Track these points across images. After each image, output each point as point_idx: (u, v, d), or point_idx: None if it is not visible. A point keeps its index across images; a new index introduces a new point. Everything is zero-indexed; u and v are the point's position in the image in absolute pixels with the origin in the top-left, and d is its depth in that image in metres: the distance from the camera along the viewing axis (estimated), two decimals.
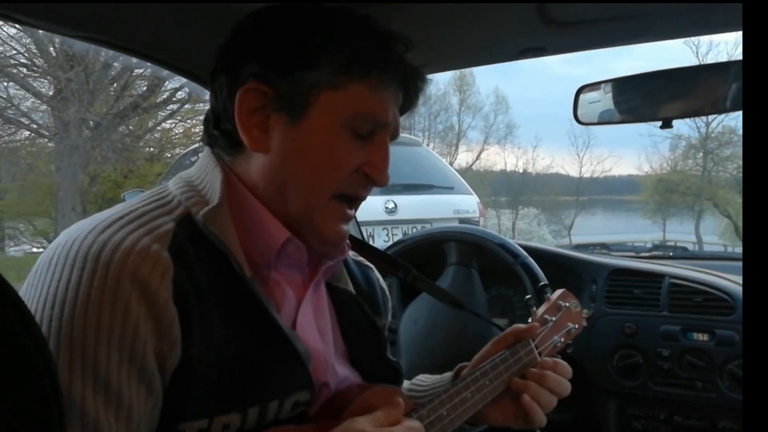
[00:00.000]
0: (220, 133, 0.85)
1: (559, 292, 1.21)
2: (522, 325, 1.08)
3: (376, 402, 0.86)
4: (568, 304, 1.19)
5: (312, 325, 0.88)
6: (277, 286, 0.84)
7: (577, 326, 1.19)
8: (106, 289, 0.67)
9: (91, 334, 0.66)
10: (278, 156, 0.82)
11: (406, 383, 1.13)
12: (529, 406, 0.99)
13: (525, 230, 20.89)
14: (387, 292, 1.10)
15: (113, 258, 0.68)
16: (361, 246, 1.07)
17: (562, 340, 1.15)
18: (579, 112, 1.50)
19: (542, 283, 1.25)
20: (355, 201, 0.88)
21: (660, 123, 1.42)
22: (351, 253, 1.03)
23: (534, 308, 1.16)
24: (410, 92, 0.89)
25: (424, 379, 1.14)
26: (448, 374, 1.10)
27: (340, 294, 0.97)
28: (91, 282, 0.67)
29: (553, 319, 1.14)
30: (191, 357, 0.71)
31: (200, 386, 0.71)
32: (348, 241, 0.93)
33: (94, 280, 0.67)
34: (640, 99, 1.47)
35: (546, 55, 1.33)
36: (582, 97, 1.51)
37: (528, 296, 1.19)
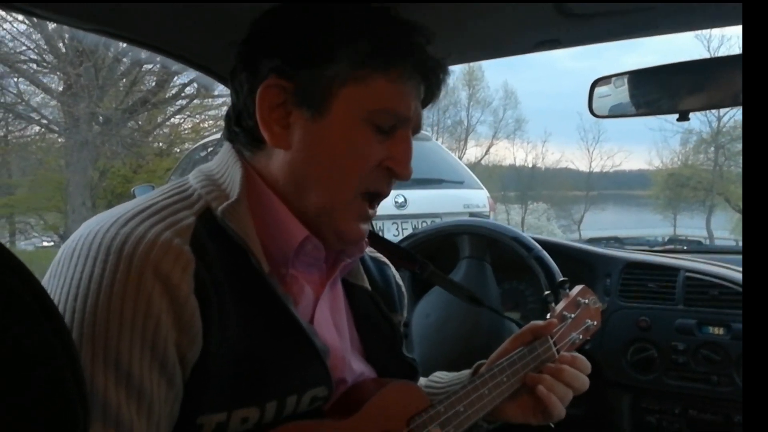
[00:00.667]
0: (241, 129, 0.85)
1: (578, 288, 1.20)
2: (540, 322, 1.08)
3: (394, 399, 0.86)
4: (587, 301, 1.18)
5: (329, 322, 0.88)
6: (295, 283, 0.84)
7: (595, 323, 1.18)
8: (129, 282, 0.67)
9: (114, 326, 0.66)
10: (299, 152, 0.81)
11: (422, 380, 1.13)
12: (545, 397, 0.98)
13: (534, 225, 20.88)
14: (403, 289, 1.09)
15: (136, 251, 0.68)
16: (378, 241, 1.07)
17: (581, 337, 1.15)
18: (594, 105, 1.50)
19: (562, 279, 1.24)
20: (377, 197, 0.87)
21: (675, 116, 1.41)
22: (368, 249, 1.03)
23: (552, 304, 1.15)
24: (432, 84, 0.88)
25: (441, 376, 1.13)
26: (466, 372, 1.09)
27: (356, 291, 0.96)
28: (114, 275, 0.67)
29: (572, 316, 1.14)
30: (211, 351, 0.71)
31: (219, 380, 0.71)
32: (366, 238, 0.92)
33: (117, 272, 0.67)
34: (655, 92, 1.47)
35: (560, 47, 1.32)
36: (597, 90, 1.50)
37: (547, 292, 1.18)
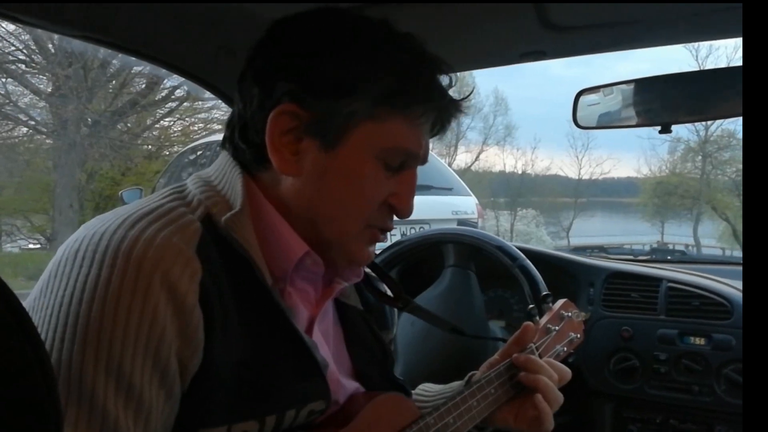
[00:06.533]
0: (247, 146, 0.82)
1: (560, 302, 1.22)
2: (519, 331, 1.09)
3: (384, 411, 0.86)
4: (569, 314, 1.20)
5: (323, 342, 0.88)
6: (290, 299, 0.83)
7: (579, 335, 1.21)
8: (137, 290, 0.65)
9: (119, 335, 0.64)
10: (310, 182, 0.79)
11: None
12: (540, 405, 0.98)
13: (523, 231, 20.93)
14: None
15: (146, 256, 0.66)
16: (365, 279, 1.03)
17: (565, 349, 1.17)
18: (578, 115, 1.51)
19: (545, 293, 1.26)
20: (383, 231, 0.86)
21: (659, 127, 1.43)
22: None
23: (537, 317, 1.16)
24: (444, 121, 0.87)
25: (429, 388, 1.13)
26: (455, 383, 1.09)
27: (347, 310, 0.95)
28: (121, 281, 0.65)
29: (556, 328, 1.16)
30: (212, 362, 0.70)
31: (220, 393, 0.70)
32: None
33: (125, 278, 0.65)
34: (644, 104, 1.48)
35: (546, 59, 1.34)
36: (581, 100, 1.51)
37: (531, 306, 1.20)
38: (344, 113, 0.77)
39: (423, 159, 0.87)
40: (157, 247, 0.67)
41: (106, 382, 0.64)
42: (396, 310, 1.09)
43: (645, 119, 1.54)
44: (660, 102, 1.45)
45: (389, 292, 1.06)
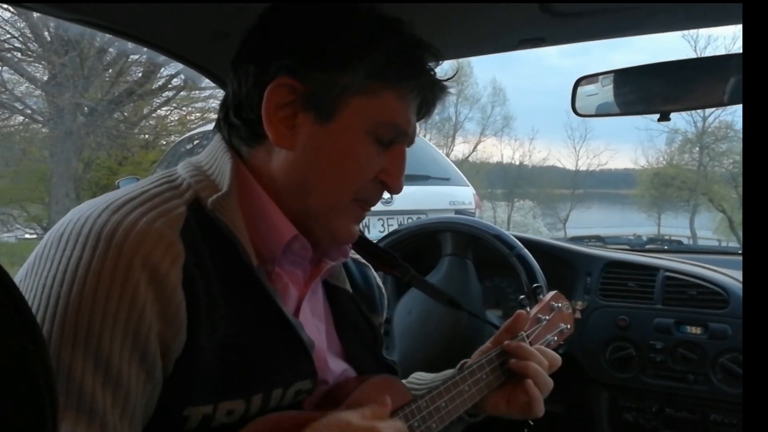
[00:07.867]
0: (241, 122, 0.84)
1: (551, 293, 1.25)
2: (511, 319, 1.11)
3: (376, 393, 0.86)
4: (560, 305, 1.23)
5: (311, 323, 0.89)
6: (279, 281, 0.84)
7: (569, 326, 1.23)
8: (117, 272, 0.66)
9: (98, 315, 0.66)
10: (303, 155, 0.81)
11: (403, 381, 1.14)
12: (531, 390, 1.00)
13: (520, 222, 20.99)
14: (383, 290, 1.11)
15: (126, 239, 0.68)
16: (361, 245, 1.07)
17: (555, 339, 1.19)
18: (577, 104, 1.51)
19: (536, 285, 1.29)
20: (368, 205, 0.89)
21: (657, 116, 1.42)
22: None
23: (528, 308, 1.19)
24: (429, 102, 0.89)
25: (422, 376, 1.14)
26: (448, 372, 1.11)
27: (337, 292, 0.97)
28: (102, 262, 0.66)
29: (547, 318, 1.18)
30: (197, 343, 0.71)
31: (206, 372, 0.71)
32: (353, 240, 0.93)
33: (106, 260, 0.67)
34: (640, 92, 1.47)
35: (545, 45, 1.33)
36: (580, 89, 1.51)
37: (522, 296, 1.23)
38: (339, 86, 0.80)
39: (411, 138, 0.89)
40: (139, 231, 0.69)
41: (84, 361, 0.65)
42: (386, 296, 1.11)
43: (643, 107, 1.54)
44: (658, 90, 1.45)
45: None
